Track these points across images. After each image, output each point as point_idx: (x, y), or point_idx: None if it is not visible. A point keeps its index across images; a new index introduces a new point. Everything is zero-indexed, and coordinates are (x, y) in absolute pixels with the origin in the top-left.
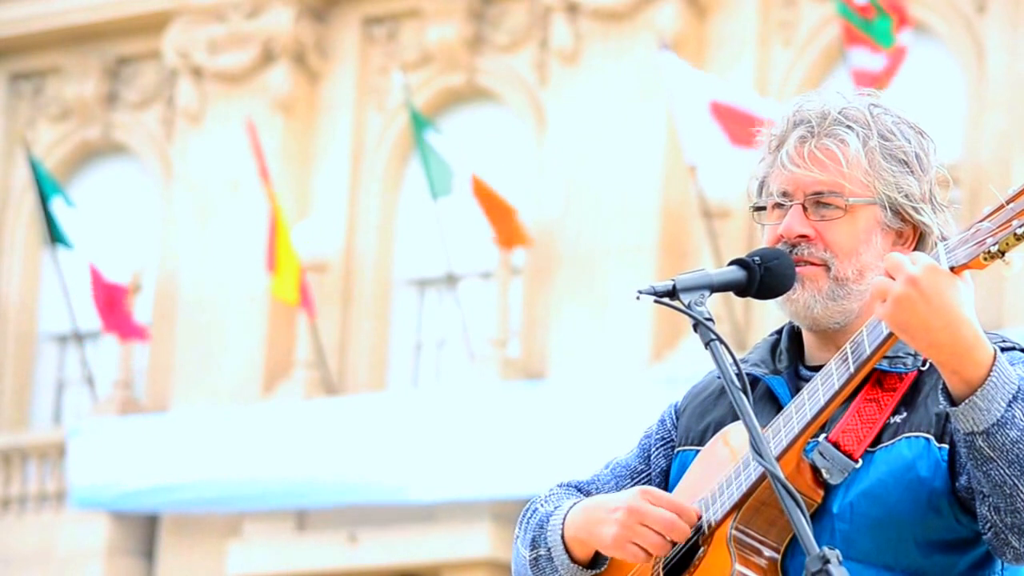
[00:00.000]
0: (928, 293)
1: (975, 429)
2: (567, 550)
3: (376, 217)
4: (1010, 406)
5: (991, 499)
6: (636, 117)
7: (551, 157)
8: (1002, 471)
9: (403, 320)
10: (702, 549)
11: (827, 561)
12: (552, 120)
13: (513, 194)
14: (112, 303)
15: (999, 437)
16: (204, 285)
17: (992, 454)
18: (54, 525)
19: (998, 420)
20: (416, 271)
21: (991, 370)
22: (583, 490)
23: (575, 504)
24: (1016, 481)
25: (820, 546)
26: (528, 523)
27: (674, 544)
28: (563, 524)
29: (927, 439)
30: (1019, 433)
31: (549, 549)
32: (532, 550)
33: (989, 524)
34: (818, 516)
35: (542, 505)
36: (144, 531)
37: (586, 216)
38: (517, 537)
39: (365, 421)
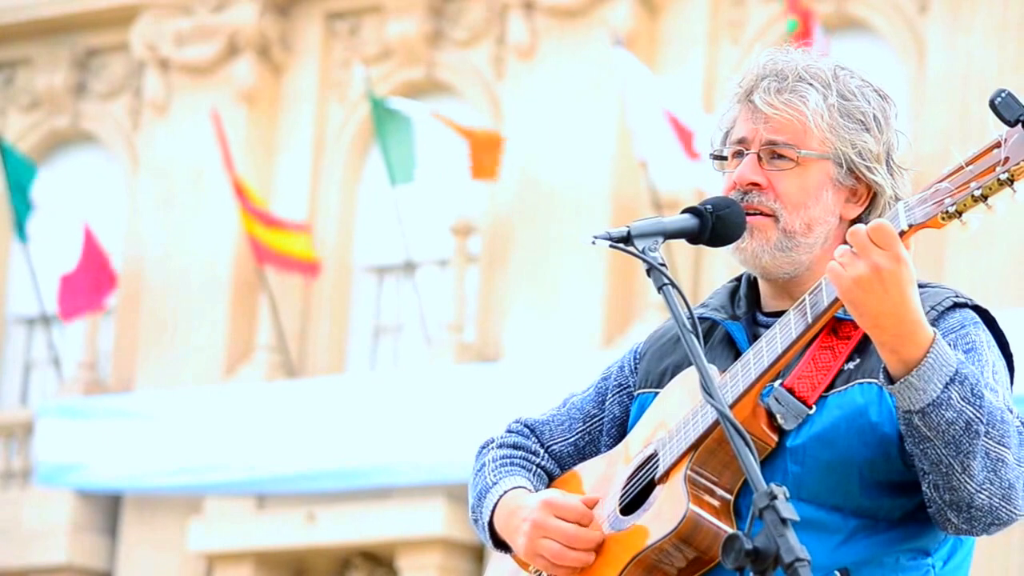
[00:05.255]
0: (888, 284)
1: (911, 408)
2: (492, 532)
3: (336, 206)
4: (946, 388)
5: (930, 477)
6: (589, 111)
7: (507, 149)
8: (938, 451)
9: (362, 305)
10: (657, 488)
11: (774, 497)
12: (508, 113)
13: (470, 185)
14: (98, 269)
15: (934, 417)
16: (168, 270)
17: (928, 433)
18: (19, 502)
19: (934, 400)
20: (375, 258)
21: (928, 352)
22: (536, 431)
23: (504, 495)
24: (952, 460)
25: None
26: (476, 479)
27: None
28: (493, 511)
29: (879, 386)
30: (954, 414)
31: (482, 525)
32: (472, 512)
33: (929, 500)
34: (771, 458)
35: (490, 465)
36: (107, 509)
37: (540, 206)
38: (472, 474)
39: (325, 403)
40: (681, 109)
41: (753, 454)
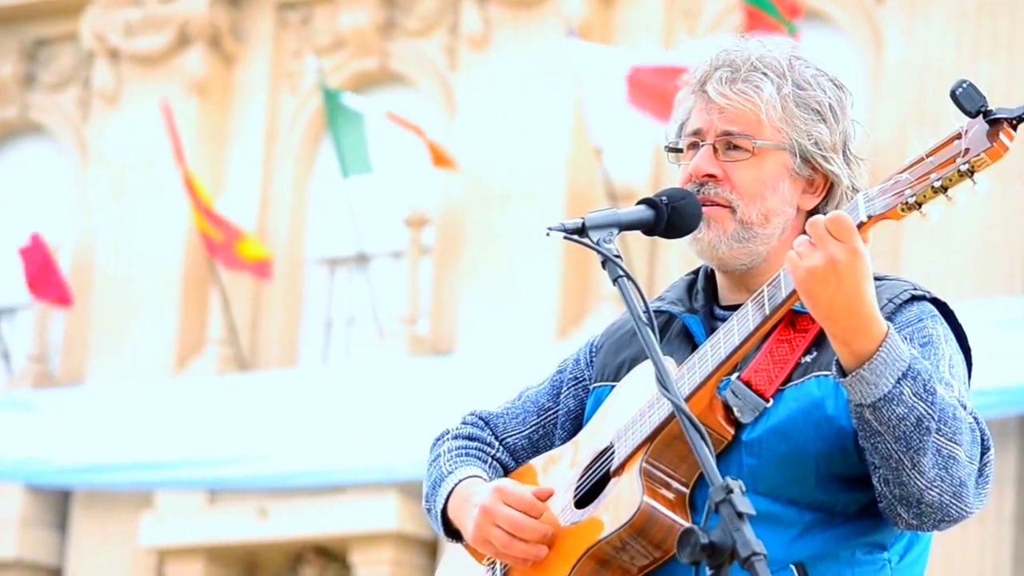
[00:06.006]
0: (843, 276)
1: (863, 401)
2: (445, 521)
3: (288, 198)
4: (899, 383)
5: (880, 471)
6: (543, 101)
7: (460, 139)
8: (888, 445)
9: (314, 298)
10: (612, 481)
11: (730, 491)
12: (462, 103)
13: (424, 176)
14: (45, 269)
15: (885, 412)
16: (119, 262)
17: (879, 428)
18: None
19: (885, 395)
20: (327, 250)
21: (880, 345)
22: (491, 423)
23: (459, 483)
24: (902, 456)
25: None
26: (431, 469)
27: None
28: (447, 499)
29: (836, 379)
30: (906, 410)
31: (435, 514)
32: (426, 501)
33: (880, 495)
34: (727, 451)
35: (445, 455)
36: (57, 503)
37: (494, 197)
38: (427, 465)
39: (277, 397)
40: (647, 59)
41: (709, 447)
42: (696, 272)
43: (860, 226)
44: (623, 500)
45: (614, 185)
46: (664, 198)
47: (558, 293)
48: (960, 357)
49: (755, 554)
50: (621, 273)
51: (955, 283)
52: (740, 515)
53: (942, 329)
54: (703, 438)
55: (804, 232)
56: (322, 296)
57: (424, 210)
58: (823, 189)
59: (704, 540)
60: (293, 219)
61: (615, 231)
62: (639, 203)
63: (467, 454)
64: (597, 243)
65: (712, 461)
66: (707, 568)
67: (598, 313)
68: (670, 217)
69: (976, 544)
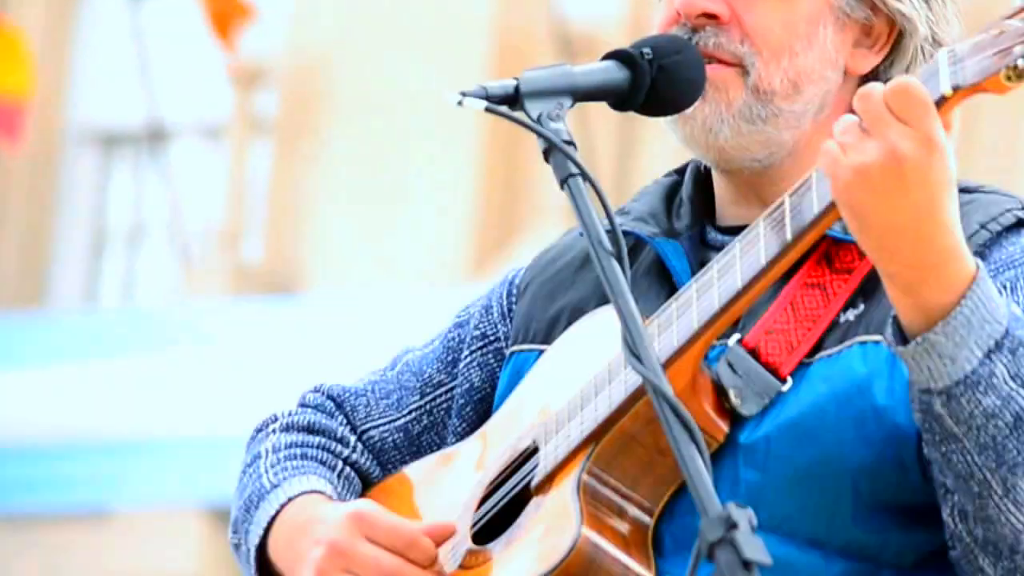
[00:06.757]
0: (910, 183)
1: (931, 386)
2: (264, 563)
3: (43, 28)
4: (989, 357)
5: (955, 498)
6: None
7: None
8: (970, 458)
9: (76, 197)
10: (534, 501)
11: (733, 525)
12: None
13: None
14: None
15: (966, 403)
16: None
17: (956, 429)
18: None
19: (968, 376)
20: (101, 119)
21: (964, 296)
22: (346, 406)
23: (289, 503)
24: (990, 475)
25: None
26: (244, 479)
27: None
28: (268, 527)
29: (891, 347)
30: (999, 401)
31: (247, 552)
32: (233, 530)
33: (953, 535)
34: (716, 459)
35: (268, 459)
36: None
37: (371, 46)
38: (240, 473)
39: (14, 351)
40: None
41: (703, 454)
42: (680, 172)
43: (941, 102)
44: (549, 532)
45: (569, 27)
46: (647, 50)
47: (471, 200)
48: None
49: None
50: (575, 170)
51: None
52: (747, 565)
53: None
54: (695, 439)
55: (852, 110)
56: (89, 195)
57: (259, 60)
58: (887, 41)
59: None
60: (50, 68)
61: (567, 102)
62: (606, 57)
63: (304, 456)
64: (538, 120)
65: (707, 478)
66: None
67: (534, 233)
68: (656, 81)
69: None
